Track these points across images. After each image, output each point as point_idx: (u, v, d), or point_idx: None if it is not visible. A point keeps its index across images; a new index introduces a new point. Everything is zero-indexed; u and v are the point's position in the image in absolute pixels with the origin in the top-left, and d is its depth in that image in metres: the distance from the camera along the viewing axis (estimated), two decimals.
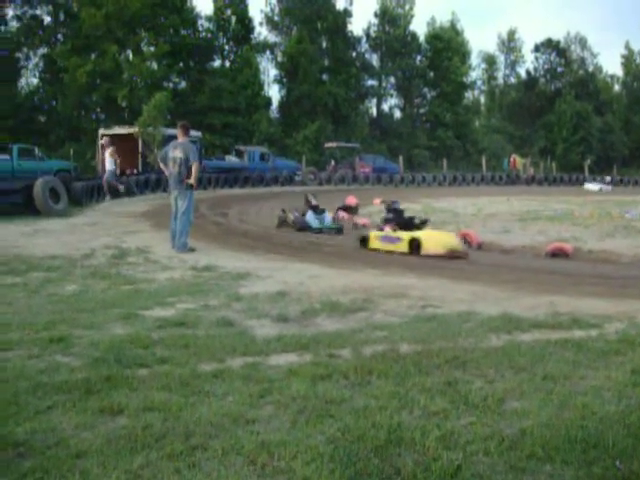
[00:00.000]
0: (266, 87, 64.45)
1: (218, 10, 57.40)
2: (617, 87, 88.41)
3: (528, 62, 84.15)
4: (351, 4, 66.12)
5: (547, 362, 5.80)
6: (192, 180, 12.87)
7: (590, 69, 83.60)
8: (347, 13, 65.53)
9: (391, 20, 68.75)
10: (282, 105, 64.02)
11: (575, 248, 14.91)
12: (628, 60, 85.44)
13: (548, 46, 79.52)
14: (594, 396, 4.92)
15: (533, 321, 7.55)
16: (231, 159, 44.31)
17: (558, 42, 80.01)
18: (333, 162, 46.98)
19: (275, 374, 5.37)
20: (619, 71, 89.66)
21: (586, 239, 16.81)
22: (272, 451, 3.88)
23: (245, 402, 4.74)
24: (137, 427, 4.24)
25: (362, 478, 3.57)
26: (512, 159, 57.52)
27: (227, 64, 58.83)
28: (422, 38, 71.22)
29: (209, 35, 57.79)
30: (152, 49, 52.09)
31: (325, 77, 63.58)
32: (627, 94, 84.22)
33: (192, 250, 12.81)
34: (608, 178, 58.62)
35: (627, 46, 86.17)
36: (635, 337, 6.73)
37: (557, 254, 14.46)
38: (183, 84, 56.94)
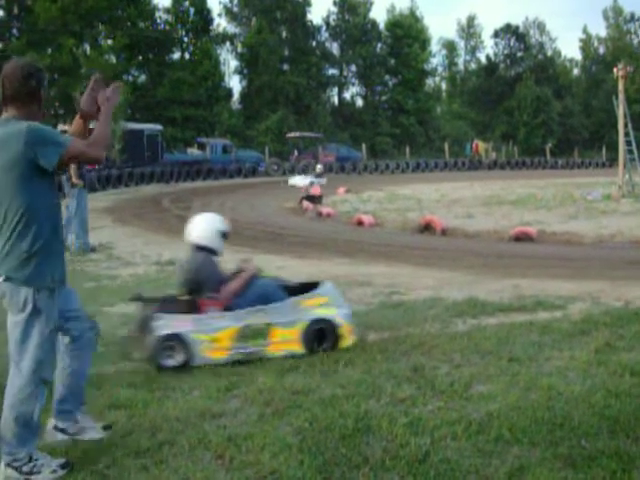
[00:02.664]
0: (227, 78, 64.10)
1: (176, 2, 56.88)
2: (576, 71, 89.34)
3: (488, 48, 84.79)
4: None
5: (512, 345, 5.85)
6: (74, 179, 12.36)
7: (549, 54, 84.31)
8: (306, 2, 65.36)
9: (350, 8, 68.65)
10: (243, 96, 63.74)
11: (538, 231, 15.02)
12: (586, 44, 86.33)
13: (507, 31, 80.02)
14: (559, 377, 4.96)
15: (498, 305, 7.61)
16: (193, 152, 44.05)
17: (517, 27, 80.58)
18: (296, 152, 46.87)
19: (242, 367, 5.33)
20: (578, 55, 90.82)
21: (549, 222, 16.95)
22: (239, 444, 3.87)
23: (212, 396, 4.71)
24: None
25: (330, 467, 3.56)
26: (474, 144, 57.86)
27: (187, 56, 58.34)
28: (382, 26, 71.33)
29: (168, 27, 57.25)
30: (110, 42, 51.48)
31: (286, 67, 63.41)
32: (586, 78, 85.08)
33: (93, 250, 12.62)
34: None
35: (585, 30, 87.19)
36: (599, 317, 6.82)
37: (521, 238, 14.55)
38: (143, 77, 56.40)
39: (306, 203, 22.38)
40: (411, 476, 3.47)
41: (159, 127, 41.01)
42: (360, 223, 17.67)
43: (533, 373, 5.08)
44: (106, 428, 4.03)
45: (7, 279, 3.46)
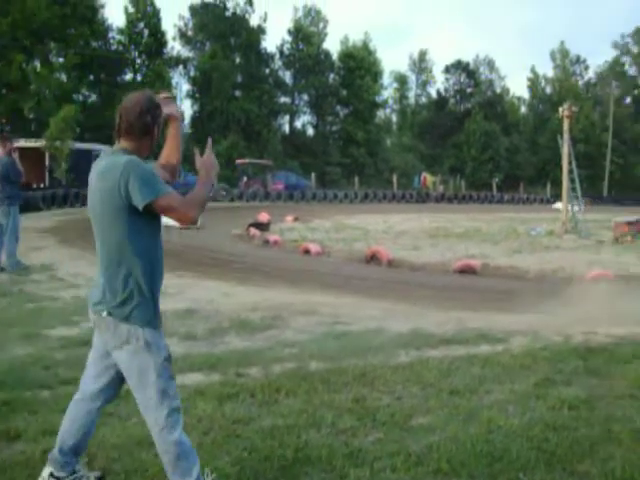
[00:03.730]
0: (178, 102, 63.81)
1: (130, 23, 56.59)
2: (523, 109, 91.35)
3: (439, 82, 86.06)
4: (265, 21, 66.45)
5: (454, 377, 5.89)
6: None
7: (498, 91, 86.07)
8: (261, 30, 65.77)
9: (305, 38, 69.24)
10: (194, 120, 63.59)
11: (483, 264, 15.22)
12: (534, 83, 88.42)
13: (458, 67, 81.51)
14: (499, 410, 5.00)
15: (441, 337, 7.66)
16: None
17: (467, 64, 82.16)
18: (245, 178, 46.83)
19: (181, 394, 5.21)
20: (525, 93, 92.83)
21: (494, 255, 17.19)
22: None
23: None
24: (36, 452, 4.08)
25: None
26: (423, 177, 58.54)
27: (139, 78, 57.95)
28: (335, 56, 72.05)
29: (121, 48, 56.87)
30: (61, 60, 50.90)
31: (238, 93, 63.48)
32: (533, 116, 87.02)
33: (26, 268, 12.41)
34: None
35: (533, 70, 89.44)
36: (539, 351, 6.91)
37: (465, 270, 14.73)
38: (94, 97, 55.83)
39: (253, 230, 22.35)
40: None
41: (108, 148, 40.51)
42: (307, 252, 17.67)
43: (473, 406, 5.11)
44: (99, 479, 3.85)
45: (109, 314, 3.43)
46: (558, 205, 52.88)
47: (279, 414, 4.83)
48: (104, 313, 3.38)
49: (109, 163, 3.36)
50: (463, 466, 3.96)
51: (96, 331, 3.57)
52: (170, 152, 3.97)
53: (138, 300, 3.33)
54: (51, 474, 3.70)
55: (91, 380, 3.68)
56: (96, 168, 3.43)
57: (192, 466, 3.42)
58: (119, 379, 3.64)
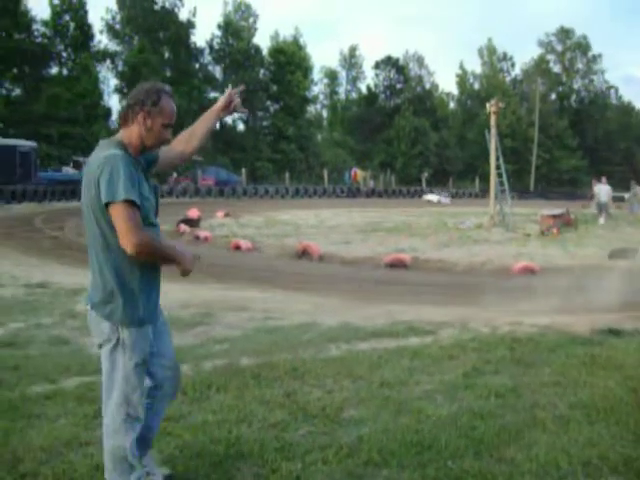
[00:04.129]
0: (106, 97, 62.80)
1: (55, 14, 55.31)
2: (452, 104, 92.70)
3: (369, 78, 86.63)
4: (194, 15, 65.90)
5: (384, 370, 5.96)
6: None
7: (427, 87, 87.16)
8: (190, 24, 65.10)
9: (235, 33, 68.81)
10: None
11: (412, 258, 15.42)
12: (462, 79, 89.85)
13: (388, 63, 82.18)
14: (428, 400, 5.09)
15: (371, 330, 7.73)
16: (68, 170, 42.71)
17: (397, 60, 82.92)
18: (175, 174, 46.34)
19: None
20: (454, 89, 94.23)
21: (423, 249, 17.44)
22: None
23: (79, 424, 4.54)
24: None
25: None
26: (353, 172, 58.98)
27: (65, 72, 56.74)
28: (265, 52, 71.82)
29: (46, 40, 55.47)
30: None
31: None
32: (461, 111, 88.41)
33: None
34: (445, 193, 60.63)
35: (461, 66, 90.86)
36: (467, 342, 7.04)
37: (395, 264, 14.90)
38: (18, 91, 54.41)
39: (183, 226, 22.15)
40: None
41: (33, 144, 39.55)
42: (237, 248, 17.63)
43: (403, 397, 5.18)
44: (168, 478, 3.72)
45: (92, 309, 3.37)
46: (430, 197, 53.64)
47: (210, 410, 4.81)
48: (89, 307, 3.36)
49: (96, 154, 3.29)
50: (393, 456, 4.02)
51: None
52: (190, 137, 3.84)
53: (120, 298, 3.26)
54: None
55: None
56: (90, 158, 3.36)
57: (133, 473, 3.35)
58: None
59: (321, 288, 11.66)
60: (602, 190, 29.74)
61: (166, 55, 64.29)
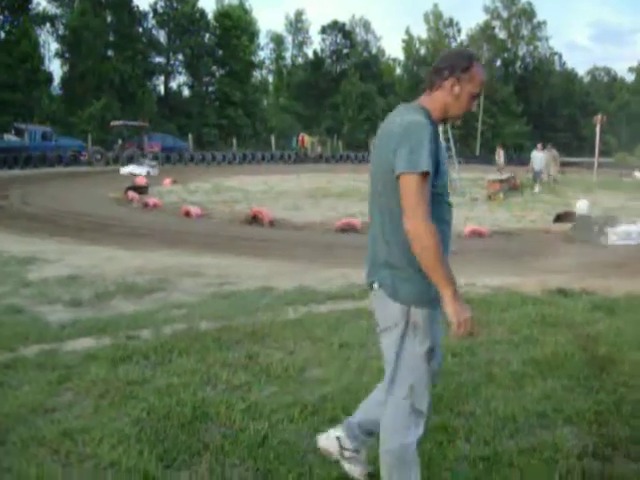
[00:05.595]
0: (47, 62, 61.08)
1: None
2: (399, 70, 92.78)
3: (315, 43, 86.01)
4: None
5: (343, 331, 6.07)
6: None
7: (374, 52, 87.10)
8: None
9: None
10: (65, 81, 61.05)
11: (363, 222, 15.53)
12: (408, 45, 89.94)
13: (334, 28, 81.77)
14: None
15: (327, 293, 7.84)
16: (10, 138, 41.69)
17: (344, 25, 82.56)
18: (120, 141, 45.62)
19: (73, 360, 5.18)
20: (400, 55, 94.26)
21: None
22: (75, 439, 3.77)
23: (43, 391, 4.54)
24: None
25: (171, 455, 3.57)
26: (301, 138, 58.71)
27: (3, 35, 55.05)
28: (211, 16, 70.72)
29: None
30: None
31: (110, 53, 61.37)
32: (408, 77, 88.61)
33: None
34: None
35: (407, 31, 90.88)
36: None
37: (346, 229, 15.01)
38: None
39: (131, 193, 21.91)
40: (251, 459, 3.54)
41: None
42: (187, 214, 17.53)
43: (363, 357, 5.30)
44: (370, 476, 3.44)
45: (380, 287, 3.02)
46: None
47: (174, 373, 4.86)
48: (376, 286, 3.05)
49: (396, 117, 2.99)
50: None
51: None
52: None
53: (411, 276, 2.90)
54: (338, 437, 3.43)
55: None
56: (386, 121, 3.07)
57: (411, 472, 3.04)
58: None
59: (274, 253, 11.71)
60: (536, 158, 29.02)
61: (108, 18, 62.76)
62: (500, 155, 36.54)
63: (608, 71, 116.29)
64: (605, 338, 5.87)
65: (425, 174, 2.76)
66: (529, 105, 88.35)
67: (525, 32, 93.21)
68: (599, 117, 33.89)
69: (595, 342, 5.70)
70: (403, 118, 2.91)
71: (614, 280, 8.99)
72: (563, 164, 38.97)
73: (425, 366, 3.00)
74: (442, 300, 2.81)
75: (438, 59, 3.06)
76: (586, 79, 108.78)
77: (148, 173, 31.15)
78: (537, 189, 27.27)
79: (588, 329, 6.16)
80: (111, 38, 62.10)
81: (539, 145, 29.86)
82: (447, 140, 26.65)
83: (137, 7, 65.11)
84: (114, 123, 46.64)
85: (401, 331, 2.95)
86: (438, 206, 2.89)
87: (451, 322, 2.80)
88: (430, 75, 3.05)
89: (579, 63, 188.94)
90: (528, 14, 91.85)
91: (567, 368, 5.04)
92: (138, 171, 32.62)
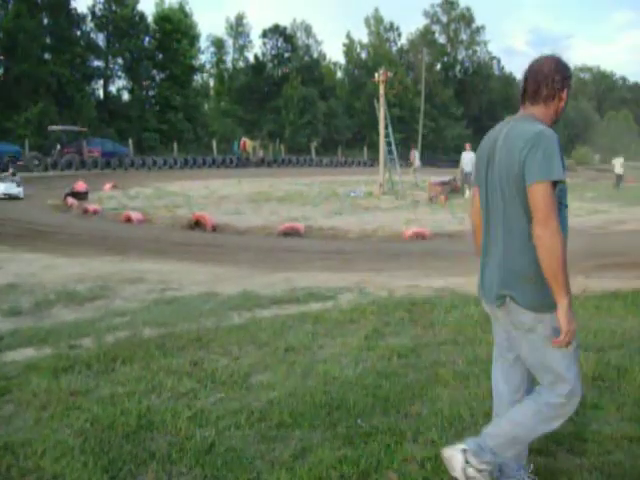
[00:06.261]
0: None
1: None
2: (340, 74, 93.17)
3: (256, 47, 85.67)
4: None
5: (288, 335, 6.06)
6: None
7: (315, 56, 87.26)
8: None
9: None
10: (0, 85, 59.72)
11: (306, 226, 15.57)
12: (349, 49, 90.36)
13: (275, 32, 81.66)
14: (333, 363, 5.22)
15: (272, 297, 7.83)
16: None
17: (285, 29, 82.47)
18: (59, 146, 44.78)
19: (13, 370, 5.05)
20: (341, 59, 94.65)
21: (316, 217, 17.63)
22: (17, 452, 3.67)
23: None
24: None
25: (117, 466, 3.50)
26: (242, 142, 58.47)
27: None
28: (150, 19, 69.85)
29: None
30: None
31: (48, 56, 60.19)
32: (349, 81, 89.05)
33: None
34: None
35: (348, 35, 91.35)
36: (366, 306, 7.23)
37: (289, 233, 15.01)
38: None
39: (71, 200, 21.52)
40: (199, 467, 3.50)
41: None
42: (129, 220, 17.30)
43: (309, 361, 5.30)
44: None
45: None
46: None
47: (118, 382, 4.78)
48: (507, 299, 3.08)
49: (516, 128, 3.04)
50: (304, 417, 4.12)
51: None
52: None
53: (539, 283, 2.96)
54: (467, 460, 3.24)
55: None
56: (501, 134, 3.10)
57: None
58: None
59: (217, 258, 11.63)
60: (465, 159, 26.00)
61: (45, 21, 61.56)
62: (414, 156, 35.66)
63: None
64: None
65: (554, 183, 2.86)
66: (469, 108, 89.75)
67: (464, 37, 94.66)
68: None
69: None
70: (525, 129, 2.98)
71: None
72: None
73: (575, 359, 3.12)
74: (557, 307, 2.90)
75: (545, 70, 3.09)
76: None
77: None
78: (468, 193, 24.73)
79: None
80: (48, 41, 60.89)
81: (467, 145, 27.15)
82: (389, 143, 26.84)
83: (75, 9, 63.88)
84: (52, 128, 45.80)
85: (544, 337, 3.02)
86: (560, 212, 2.96)
87: (561, 329, 2.89)
88: (541, 86, 3.08)
89: (517, 67, 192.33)
90: (467, 19, 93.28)
91: None
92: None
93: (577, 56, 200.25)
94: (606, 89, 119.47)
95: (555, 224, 2.85)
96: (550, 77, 3.07)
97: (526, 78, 3.15)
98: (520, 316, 3.05)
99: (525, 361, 3.22)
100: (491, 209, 3.14)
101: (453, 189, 25.94)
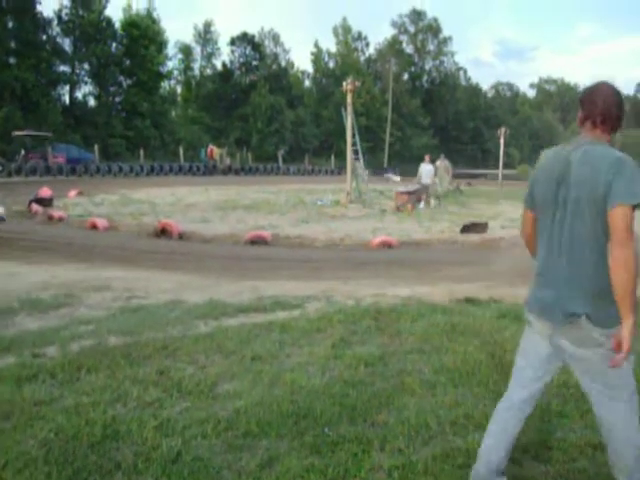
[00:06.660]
0: None
1: None
2: (307, 82, 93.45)
3: (224, 55, 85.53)
4: None
5: (254, 344, 6.04)
6: None
7: (283, 64, 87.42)
8: None
9: (84, 3, 66.04)
10: None
11: (273, 235, 15.56)
12: (317, 58, 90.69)
13: (243, 40, 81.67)
14: (300, 372, 5.21)
15: (238, 306, 7.79)
16: None
17: (253, 37, 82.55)
18: (23, 152, 44.26)
19: None
20: (309, 68, 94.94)
21: (282, 226, 17.62)
22: None
23: None
24: None
25: (81, 476, 3.46)
26: (209, 149, 58.28)
27: None
28: (118, 24, 69.41)
29: None
30: None
31: (12, 61, 59.49)
32: (316, 89, 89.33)
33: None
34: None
35: (316, 44, 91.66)
36: (333, 314, 7.23)
37: (256, 241, 14.98)
38: None
39: (35, 206, 21.26)
40: (165, 477, 3.48)
41: None
42: (94, 227, 17.15)
43: (276, 370, 5.28)
44: None
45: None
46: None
47: (82, 392, 4.72)
48: (583, 319, 3.11)
49: (596, 153, 3.08)
50: (271, 427, 4.11)
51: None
52: None
53: (611, 301, 3.03)
54: None
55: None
56: (574, 156, 3.14)
57: None
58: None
59: (183, 266, 11.57)
60: (424, 171, 26.01)
61: (9, 24, 60.85)
62: (421, 168, 34.98)
63: (511, 86, 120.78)
64: (512, 345, 6.02)
65: (635, 206, 2.96)
66: (436, 118, 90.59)
67: (431, 47, 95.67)
68: (502, 130, 34.99)
69: (502, 349, 5.85)
70: (606, 153, 3.07)
71: (521, 288, 9.24)
72: (470, 176, 39.87)
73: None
74: (622, 325, 2.99)
75: (621, 100, 3.22)
76: (490, 94, 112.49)
77: None
78: (432, 203, 25.84)
79: (496, 336, 6.32)
80: (12, 45, 60.21)
81: (427, 156, 26.98)
82: (356, 152, 26.93)
83: (41, 14, 63.31)
84: (16, 133, 45.29)
85: (610, 351, 3.07)
86: None
87: (622, 346, 2.97)
88: (616, 120, 3.18)
89: (483, 78, 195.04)
90: (434, 30, 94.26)
91: (477, 375, 5.16)
92: None
93: (542, 67, 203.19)
94: (570, 101, 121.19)
95: (633, 245, 2.96)
96: (620, 114, 3.20)
97: (594, 101, 3.21)
98: (592, 332, 3.10)
99: (594, 377, 3.24)
100: (562, 228, 3.18)
101: (419, 199, 26.05)
